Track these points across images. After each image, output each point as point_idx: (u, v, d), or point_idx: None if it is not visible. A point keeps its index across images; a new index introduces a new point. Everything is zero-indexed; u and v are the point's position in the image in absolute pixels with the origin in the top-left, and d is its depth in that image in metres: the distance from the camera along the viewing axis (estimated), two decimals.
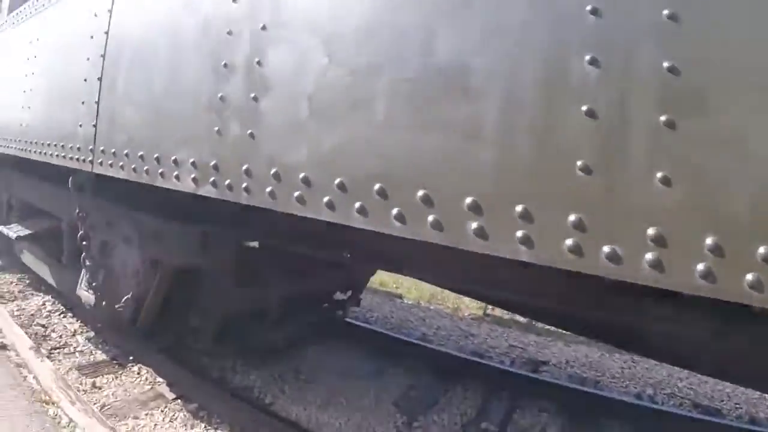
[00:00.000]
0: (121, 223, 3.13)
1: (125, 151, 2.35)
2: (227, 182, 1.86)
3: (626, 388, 4.49)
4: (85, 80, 2.74)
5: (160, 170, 2.14)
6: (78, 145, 2.74)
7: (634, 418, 3.52)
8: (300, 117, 1.66)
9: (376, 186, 1.45)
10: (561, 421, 3.52)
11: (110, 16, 2.61)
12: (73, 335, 4.26)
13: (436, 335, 5.43)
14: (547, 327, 6.59)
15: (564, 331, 6.25)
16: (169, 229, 2.99)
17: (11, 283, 5.23)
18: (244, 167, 1.81)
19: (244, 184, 1.80)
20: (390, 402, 3.54)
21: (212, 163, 1.92)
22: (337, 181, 1.55)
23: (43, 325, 4.40)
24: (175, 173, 2.07)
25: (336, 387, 3.64)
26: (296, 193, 1.64)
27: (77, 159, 2.74)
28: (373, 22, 1.52)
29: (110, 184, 2.89)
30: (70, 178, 2.93)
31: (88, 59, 2.75)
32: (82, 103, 2.74)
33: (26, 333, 4.09)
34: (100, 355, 3.89)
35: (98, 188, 3.06)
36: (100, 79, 2.61)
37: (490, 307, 7.25)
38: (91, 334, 4.27)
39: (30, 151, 3.38)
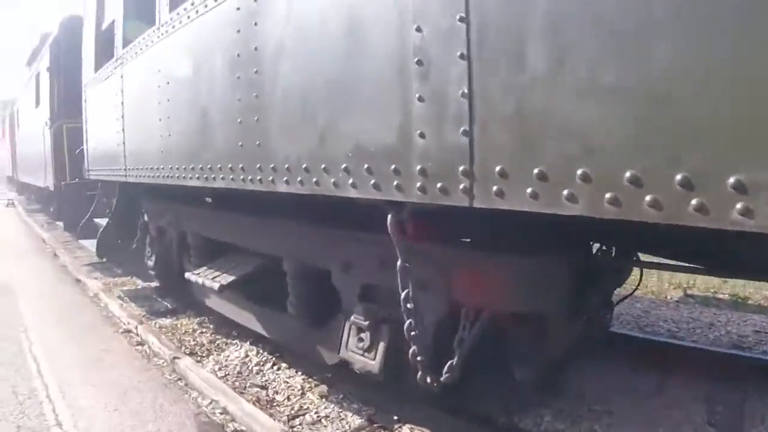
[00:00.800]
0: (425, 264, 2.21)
1: (584, 171, 1.32)
2: None
3: None
4: (420, 63, 1.72)
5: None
6: (419, 166, 1.74)
7: None
8: None
9: None
10: None
11: None
12: (303, 393, 3.44)
13: (680, 330, 4.67)
14: (755, 302, 5.66)
15: None
16: (504, 266, 2.17)
17: (194, 331, 4.48)
18: None
19: None
20: (705, 424, 2.89)
21: None
22: None
23: (260, 386, 3.60)
24: None
25: (640, 416, 2.95)
26: None
27: (420, 188, 1.74)
28: None
29: None
30: (390, 217, 1.95)
31: (416, 31, 1.72)
32: (419, 98, 1.73)
33: (246, 399, 3.29)
34: (353, 418, 3.03)
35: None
36: (465, 56, 1.58)
37: (685, 285, 6.41)
38: (323, 388, 3.43)
39: (273, 180, 2.44)
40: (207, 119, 3.02)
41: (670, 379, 3.34)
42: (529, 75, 1.45)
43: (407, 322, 2.06)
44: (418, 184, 1.75)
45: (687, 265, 2.74)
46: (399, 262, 1.99)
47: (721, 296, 5.71)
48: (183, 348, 4.10)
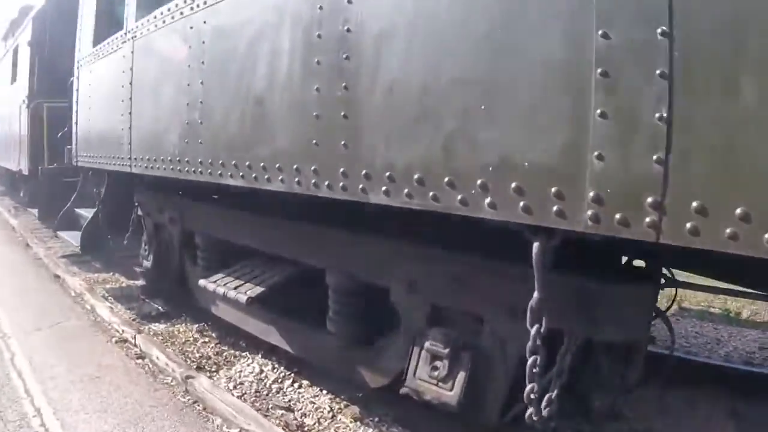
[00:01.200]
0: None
1: None
2: None
3: None
4: (605, 74, 1.53)
5: None
6: (592, 192, 1.54)
7: None
8: None
9: None
10: None
11: None
12: (334, 416, 3.19)
13: (691, 345, 4.84)
14: (746, 318, 5.90)
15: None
16: (614, 293, 2.09)
17: (196, 341, 4.05)
18: None
19: None
20: None
21: None
22: None
23: (285, 407, 3.29)
24: None
25: None
26: None
27: (593, 217, 1.55)
28: None
29: None
30: (536, 246, 1.74)
31: (602, 37, 1.53)
32: (600, 114, 1.53)
33: (273, 423, 2.99)
34: None
35: None
36: (666, 76, 1.41)
37: (678, 297, 6.85)
38: (355, 409, 3.20)
39: (364, 189, 2.15)
40: (261, 108, 2.66)
41: (699, 396, 3.40)
42: (744, 105, 1.30)
43: (532, 358, 1.86)
44: (590, 213, 1.56)
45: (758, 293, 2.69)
46: (536, 295, 1.79)
47: (713, 310, 5.91)
48: (188, 361, 3.68)
